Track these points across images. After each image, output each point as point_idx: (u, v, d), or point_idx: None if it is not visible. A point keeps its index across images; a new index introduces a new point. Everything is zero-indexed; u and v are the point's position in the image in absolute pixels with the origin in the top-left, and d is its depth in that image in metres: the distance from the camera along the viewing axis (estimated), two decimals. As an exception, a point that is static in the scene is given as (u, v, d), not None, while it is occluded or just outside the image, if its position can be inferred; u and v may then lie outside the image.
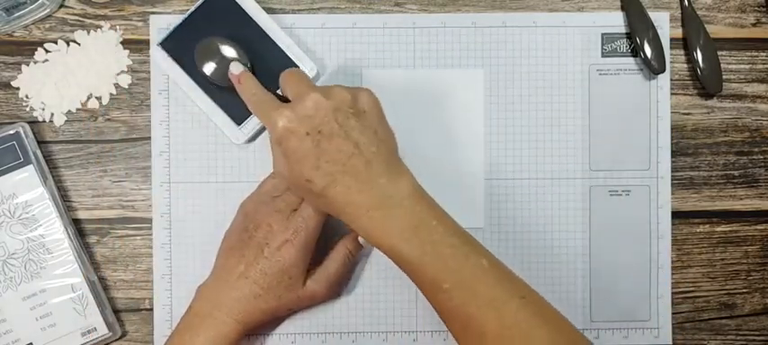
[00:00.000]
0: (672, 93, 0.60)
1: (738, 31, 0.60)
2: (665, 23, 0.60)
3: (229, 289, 0.53)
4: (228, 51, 0.56)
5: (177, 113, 0.59)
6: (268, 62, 0.57)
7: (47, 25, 0.59)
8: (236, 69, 0.54)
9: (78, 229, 0.58)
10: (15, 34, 0.59)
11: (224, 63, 0.55)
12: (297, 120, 0.48)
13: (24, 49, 0.59)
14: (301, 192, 0.52)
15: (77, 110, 0.59)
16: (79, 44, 0.59)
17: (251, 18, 0.57)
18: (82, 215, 0.59)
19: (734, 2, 0.60)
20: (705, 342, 0.61)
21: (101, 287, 0.58)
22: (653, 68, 0.59)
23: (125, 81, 0.59)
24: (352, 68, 0.59)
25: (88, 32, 0.59)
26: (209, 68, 0.56)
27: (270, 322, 0.57)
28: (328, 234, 0.59)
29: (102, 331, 0.57)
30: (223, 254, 0.55)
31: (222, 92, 0.57)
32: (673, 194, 0.60)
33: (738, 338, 0.61)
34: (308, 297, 0.55)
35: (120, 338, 0.59)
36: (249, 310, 0.53)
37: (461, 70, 0.60)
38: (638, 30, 0.59)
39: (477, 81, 0.60)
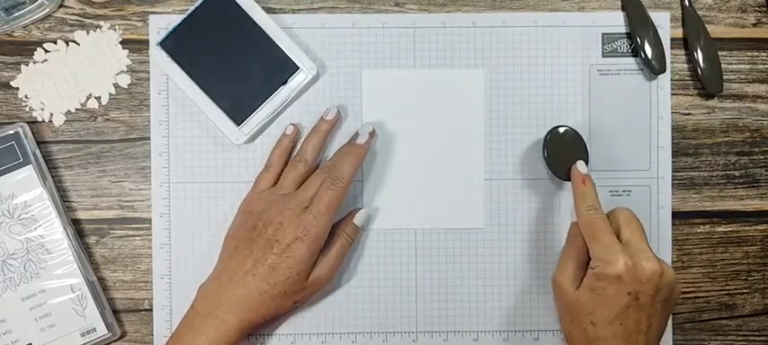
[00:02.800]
0: (672, 93, 0.60)
1: (739, 31, 0.60)
2: (665, 23, 0.59)
3: (234, 287, 0.53)
4: (580, 149, 0.57)
5: (177, 113, 0.59)
6: (267, 62, 0.57)
7: (46, 25, 0.59)
8: (583, 169, 0.55)
9: (78, 229, 0.58)
10: (15, 34, 0.59)
11: (570, 155, 0.56)
12: (631, 275, 0.50)
13: (24, 49, 0.59)
14: (568, 319, 0.53)
15: (77, 110, 0.59)
16: (78, 44, 0.59)
17: (251, 18, 0.57)
18: (81, 215, 0.59)
19: (734, 2, 0.60)
20: (705, 343, 0.61)
21: (100, 288, 0.58)
22: (653, 68, 0.58)
23: (124, 81, 0.59)
24: (352, 68, 0.59)
25: (87, 32, 0.59)
26: (552, 149, 0.57)
27: (272, 320, 0.57)
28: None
29: (102, 331, 0.57)
30: (228, 254, 0.55)
31: (222, 93, 0.57)
32: (673, 194, 0.60)
33: (739, 338, 0.60)
34: (312, 286, 0.55)
35: (119, 338, 0.59)
36: (253, 306, 0.53)
37: (461, 70, 0.59)
38: (638, 30, 0.59)
39: (477, 81, 0.59)
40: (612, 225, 0.53)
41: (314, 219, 0.53)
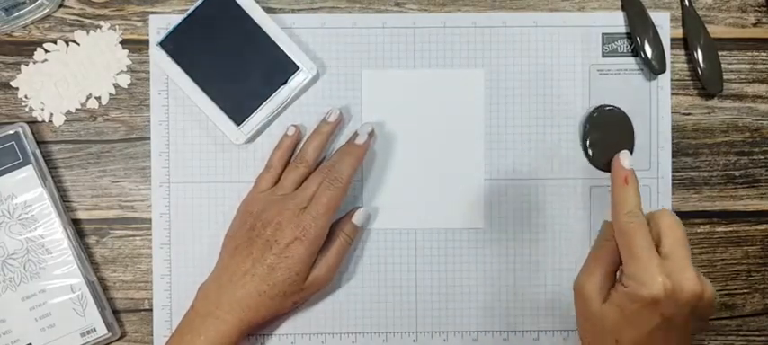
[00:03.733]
0: (672, 93, 0.60)
1: (739, 31, 0.60)
2: (665, 23, 0.59)
3: (233, 288, 0.53)
4: (626, 135, 0.50)
5: (177, 113, 0.59)
6: (267, 62, 0.57)
7: (46, 25, 0.59)
8: (627, 163, 0.49)
9: (78, 229, 0.58)
10: (15, 34, 0.59)
11: (612, 142, 0.49)
12: (669, 298, 0.44)
13: (24, 49, 0.59)
14: (589, 331, 0.48)
15: (77, 110, 0.59)
16: (78, 44, 0.59)
17: (251, 18, 0.57)
18: (81, 215, 0.59)
19: (734, 2, 0.60)
20: (705, 343, 0.61)
21: (100, 288, 0.58)
22: (653, 68, 0.58)
23: (124, 81, 0.59)
24: (352, 68, 0.59)
25: (87, 32, 0.59)
26: (594, 134, 0.50)
27: (272, 320, 0.57)
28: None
29: (102, 331, 0.57)
30: (228, 254, 0.55)
31: (222, 93, 0.57)
32: (673, 194, 0.60)
33: (739, 338, 0.61)
34: (311, 286, 0.55)
35: (119, 338, 0.59)
36: (253, 307, 0.53)
37: (461, 70, 0.59)
38: (638, 29, 0.59)
39: (477, 81, 0.59)
40: (652, 230, 0.47)
41: (312, 220, 0.53)
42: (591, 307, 0.47)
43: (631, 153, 0.49)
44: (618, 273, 0.48)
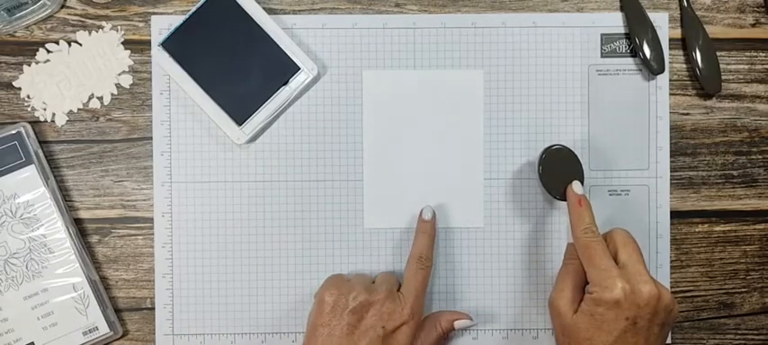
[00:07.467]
0: (671, 94, 0.60)
1: (737, 32, 0.60)
2: (664, 24, 0.60)
3: None
4: (575, 168, 0.56)
5: (178, 113, 0.59)
6: (269, 63, 0.58)
7: (48, 25, 0.59)
8: (578, 190, 0.55)
9: (80, 229, 0.59)
10: (17, 34, 0.59)
11: (565, 174, 0.56)
12: (629, 300, 0.50)
13: (26, 50, 0.59)
14: (565, 342, 0.52)
15: (79, 110, 0.59)
16: (81, 44, 0.59)
17: (251, 18, 0.57)
18: (83, 214, 0.59)
19: (733, 2, 0.60)
20: (704, 342, 0.61)
21: (102, 287, 0.58)
22: (652, 69, 0.59)
23: (126, 81, 0.59)
24: (353, 69, 0.60)
25: (89, 33, 0.59)
26: (548, 171, 0.56)
27: None
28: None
29: (104, 330, 0.58)
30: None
31: (223, 93, 0.58)
32: (672, 194, 0.60)
33: (737, 337, 0.61)
34: None
35: (121, 337, 0.59)
36: None
37: (461, 70, 0.60)
38: (637, 30, 0.59)
39: (477, 81, 0.60)
40: (609, 246, 0.53)
41: (414, 300, 0.54)
42: (565, 320, 0.52)
43: (582, 183, 0.56)
44: (586, 288, 0.53)
